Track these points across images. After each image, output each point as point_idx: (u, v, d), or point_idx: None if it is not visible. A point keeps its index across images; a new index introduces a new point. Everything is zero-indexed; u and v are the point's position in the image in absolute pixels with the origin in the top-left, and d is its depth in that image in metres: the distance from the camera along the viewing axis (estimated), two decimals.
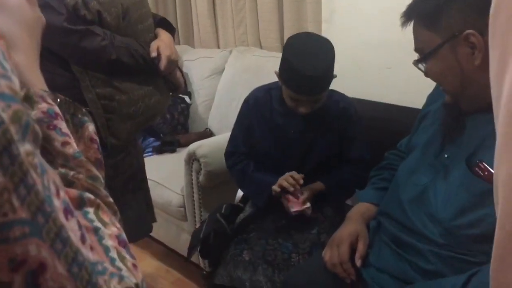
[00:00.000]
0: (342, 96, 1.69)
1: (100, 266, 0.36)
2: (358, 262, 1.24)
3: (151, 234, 2.47)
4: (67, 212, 0.33)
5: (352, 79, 2.06)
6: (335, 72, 1.51)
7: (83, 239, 0.34)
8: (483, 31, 0.94)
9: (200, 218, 2.14)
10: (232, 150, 1.75)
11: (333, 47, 1.49)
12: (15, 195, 0.28)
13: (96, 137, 0.51)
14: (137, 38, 1.46)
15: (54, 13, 1.30)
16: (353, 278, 1.23)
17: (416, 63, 1.09)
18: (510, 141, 0.35)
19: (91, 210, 0.42)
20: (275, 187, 1.55)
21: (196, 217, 2.16)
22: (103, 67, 1.40)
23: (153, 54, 1.47)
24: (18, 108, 0.30)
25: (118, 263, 0.39)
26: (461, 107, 1.10)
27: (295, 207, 1.52)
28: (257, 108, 1.68)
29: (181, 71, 2.91)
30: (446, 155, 1.12)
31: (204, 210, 2.14)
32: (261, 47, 2.82)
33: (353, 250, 1.26)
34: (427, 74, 1.10)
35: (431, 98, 1.32)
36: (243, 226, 1.66)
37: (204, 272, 2.20)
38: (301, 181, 1.54)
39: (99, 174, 0.46)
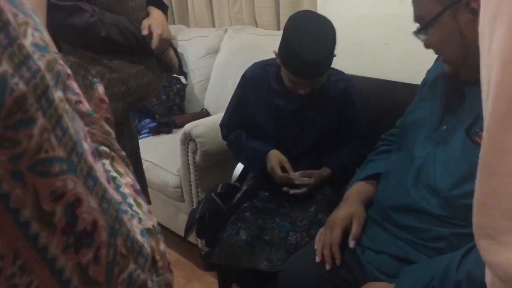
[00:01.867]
0: (341, 75, 1.67)
1: (123, 206, 0.39)
2: (352, 244, 1.22)
3: None
4: (94, 155, 0.36)
5: (348, 55, 2.03)
6: None
7: (108, 181, 0.37)
8: None
9: (197, 198, 2.13)
10: (225, 123, 1.76)
11: (334, 28, 1.47)
12: (53, 135, 0.30)
13: (105, 98, 0.54)
14: (127, 16, 1.42)
15: None
16: (338, 262, 1.21)
17: (416, 33, 1.07)
18: None
19: (107, 161, 0.45)
20: (271, 172, 1.60)
21: (193, 197, 2.15)
22: (92, 44, 1.36)
23: (144, 32, 1.43)
24: (51, 57, 0.32)
25: (135, 208, 0.42)
26: (461, 77, 1.08)
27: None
28: (254, 83, 1.67)
29: (175, 51, 2.88)
30: (445, 127, 1.11)
31: (201, 190, 2.13)
32: (256, 26, 2.78)
33: (348, 232, 1.25)
34: (427, 44, 1.07)
35: (430, 70, 1.30)
36: (239, 205, 1.65)
37: (203, 252, 2.21)
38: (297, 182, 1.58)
39: (111, 130, 0.49)
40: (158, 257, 0.40)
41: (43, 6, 0.54)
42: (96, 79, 0.53)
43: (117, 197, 0.37)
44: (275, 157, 1.60)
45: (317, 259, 1.23)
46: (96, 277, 0.33)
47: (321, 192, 1.62)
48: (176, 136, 2.36)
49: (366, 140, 1.66)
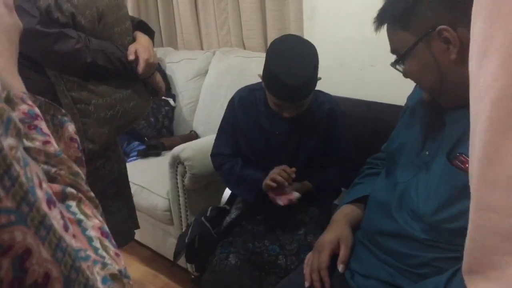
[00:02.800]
0: (328, 96, 1.68)
1: (83, 253, 0.38)
2: (340, 268, 1.22)
3: (137, 239, 2.45)
4: (50, 202, 0.35)
5: (334, 77, 2.05)
6: (319, 72, 1.50)
7: (65, 227, 0.36)
8: (456, 25, 0.94)
9: (187, 221, 2.12)
10: (217, 152, 1.73)
11: (316, 52, 1.48)
12: (0, 186, 0.29)
13: (76, 137, 0.54)
14: (114, 41, 1.43)
15: (27, 16, 1.26)
16: (327, 286, 1.20)
17: (394, 64, 1.09)
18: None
19: (73, 203, 0.44)
20: (269, 182, 1.53)
21: (182, 220, 2.14)
22: (79, 70, 1.37)
23: (131, 57, 1.44)
24: (0, 105, 0.32)
25: (101, 251, 0.41)
26: (441, 104, 1.09)
27: (282, 199, 1.51)
28: (242, 108, 1.66)
29: (163, 74, 2.89)
30: (427, 152, 1.12)
31: (190, 213, 2.11)
32: (244, 48, 2.81)
33: (336, 255, 1.25)
34: (405, 74, 1.10)
35: (410, 97, 1.32)
36: (229, 229, 1.64)
37: (193, 276, 2.18)
38: (294, 175, 1.53)
39: (80, 171, 0.48)
40: None
41: (15, 46, 0.54)
42: (66, 118, 0.53)
43: (75, 244, 0.37)
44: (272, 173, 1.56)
45: (306, 284, 1.23)
46: None
47: (308, 214, 1.62)
48: (165, 159, 2.35)
49: (351, 162, 1.66)
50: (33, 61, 1.35)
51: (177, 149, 2.05)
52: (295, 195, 1.53)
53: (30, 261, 0.30)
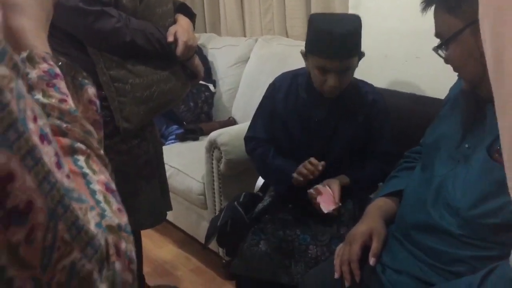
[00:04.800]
0: (372, 87, 1.64)
1: (76, 194, 0.38)
2: (372, 261, 1.18)
3: (171, 220, 2.48)
4: (43, 138, 0.35)
5: (378, 68, 2.00)
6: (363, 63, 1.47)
7: (58, 166, 0.36)
8: None
9: (220, 206, 2.13)
10: (251, 135, 1.72)
11: (359, 17, 1.49)
12: None
13: (95, 99, 0.54)
14: (155, 22, 1.44)
15: None
16: (357, 279, 1.17)
17: (436, 49, 1.06)
18: None
19: (81, 158, 0.45)
20: (297, 176, 1.51)
21: (216, 205, 2.15)
22: (118, 49, 1.38)
23: (170, 38, 1.44)
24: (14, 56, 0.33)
25: (103, 205, 0.42)
26: (481, 95, 1.05)
27: (327, 207, 1.47)
28: (282, 92, 1.64)
29: (204, 58, 2.89)
30: (467, 145, 1.07)
31: (224, 198, 2.12)
32: (287, 36, 2.78)
33: (368, 248, 1.22)
34: (447, 60, 1.06)
35: (452, 88, 1.27)
36: (261, 216, 1.63)
37: (224, 261, 2.19)
38: (320, 167, 1.49)
39: (93, 130, 0.49)
40: (112, 252, 0.39)
41: (47, 11, 0.56)
42: (86, 81, 0.54)
43: (69, 184, 0.37)
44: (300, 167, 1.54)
45: (336, 276, 1.20)
46: (29, 258, 0.32)
47: (344, 206, 1.58)
48: (203, 144, 2.36)
49: (392, 156, 1.60)
50: (74, 38, 1.37)
51: (214, 134, 2.06)
52: (339, 204, 1.48)
53: (12, 185, 0.31)
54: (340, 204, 1.48)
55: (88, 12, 1.32)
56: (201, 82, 2.76)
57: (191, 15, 1.59)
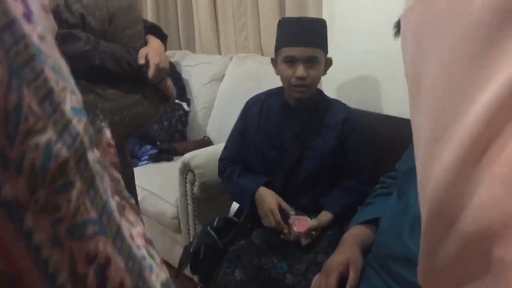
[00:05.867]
0: (345, 106, 1.64)
1: (145, 262, 0.38)
2: None
3: None
4: (120, 210, 0.36)
5: (352, 88, 1.98)
6: (334, 78, 1.48)
7: (131, 237, 0.37)
8: None
9: (195, 230, 2.07)
10: (223, 157, 1.73)
11: (325, 20, 1.59)
12: (88, 198, 0.30)
13: (112, 142, 0.54)
14: (124, 44, 1.39)
15: None
16: None
17: None
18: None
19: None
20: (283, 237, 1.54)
21: (190, 229, 2.09)
22: (86, 73, 1.33)
23: (141, 61, 1.39)
24: (86, 120, 0.33)
25: (149, 260, 0.41)
26: None
27: (298, 228, 1.47)
28: (255, 111, 1.66)
29: (180, 77, 2.84)
30: None
31: (199, 222, 2.06)
32: (262, 54, 2.75)
33: (345, 279, 1.18)
34: None
35: None
36: (235, 240, 1.58)
37: (198, 287, 2.13)
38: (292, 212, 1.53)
39: (120, 177, 0.48)
40: None
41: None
42: (104, 123, 0.53)
43: (139, 253, 0.37)
44: (272, 198, 1.53)
45: None
46: None
47: (322, 232, 1.55)
48: (176, 164, 2.30)
49: (367, 176, 1.60)
50: None
51: (187, 156, 2.00)
52: (311, 223, 1.49)
53: (109, 270, 0.32)
54: (315, 222, 1.51)
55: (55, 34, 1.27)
56: (175, 100, 2.72)
57: (162, 37, 1.55)
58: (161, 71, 1.45)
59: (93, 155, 0.32)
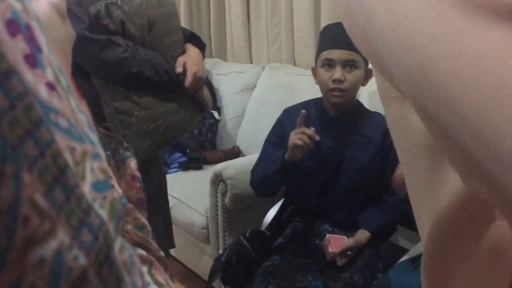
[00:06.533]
0: (384, 118, 1.58)
1: None
2: None
3: (172, 253, 2.38)
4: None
5: None
6: (372, 91, 1.43)
7: None
8: None
9: (224, 242, 2.03)
10: (255, 166, 1.69)
11: None
12: None
13: (138, 174, 0.46)
14: (163, 52, 1.37)
15: (76, 21, 1.22)
16: None
17: None
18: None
19: (144, 268, 0.37)
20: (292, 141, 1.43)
21: (219, 240, 2.05)
22: (124, 80, 1.31)
23: (179, 69, 1.37)
24: (113, 195, 0.24)
25: None
26: None
27: (333, 248, 1.42)
28: (293, 119, 1.60)
29: (210, 85, 2.83)
30: None
31: (229, 234, 2.03)
32: (295, 65, 2.72)
33: None
34: None
35: None
36: (269, 253, 1.54)
37: None
38: (317, 137, 1.42)
39: (146, 222, 0.41)
40: None
41: (68, 62, 0.45)
42: (128, 153, 0.45)
43: None
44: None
45: None
46: None
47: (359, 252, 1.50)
48: (206, 173, 2.28)
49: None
50: (79, 67, 1.30)
51: (219, 166, 1.97)
52: (347, 243, 1.44)
53: None
54: (349, 253, 1.45)
55: (95, 41, 1.26)
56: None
57: (201, 45, 1.53)
58: (198, 80, 1.42)
59: (119, 243, 0.24)
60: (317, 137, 1.42)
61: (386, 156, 1.53)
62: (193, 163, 2.57)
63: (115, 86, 1.32)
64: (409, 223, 1.71)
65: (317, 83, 1.57)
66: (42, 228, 0.19)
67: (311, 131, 1.41)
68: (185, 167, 2.56)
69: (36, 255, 0.18)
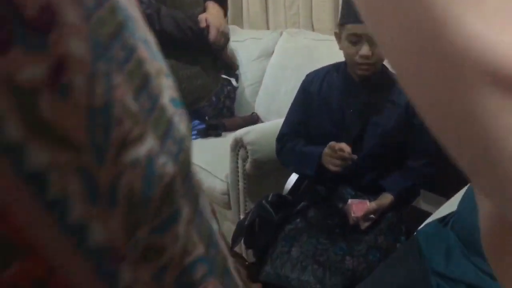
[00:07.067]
0: None
1: None
2: None
3: None
4: (220, 236, 0.27)
5: None
6: None
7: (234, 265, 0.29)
8: None
9: (245, 207, 2.05)
10: (283, 132, 1.68)
11: None
12: (194, 227, 0.22)
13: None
14: (184, 10, 1.36)
15: None
16: None
17: None
18: None
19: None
20: (330, 166, 1.47)
21: (240, 206, 2.07)
22: None
23: (202, 24, 1.37)
24: (185, 113, 0.24)
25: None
26: None
27: (355, 212, 1.43)
28: (316, 84, 1.61)
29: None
30: None
31: (249, 199, 2.04)
32: (313, 30, 2.68)
33: None
34: None
35: None
36: (292, 217, 1.56)
37: (247, 263, 2.12)
38: (354, 157, 1.44)
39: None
40: None
41: None
42: None
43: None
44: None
45: None
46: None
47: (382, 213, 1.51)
48: (225, 140, 2.29)
49: (432, 158, 1.53)
50: None
51: (240, 132, 1.98)
52: (369, 206, 1.44)
53: None
54: (372, 216, 1.46)
55: None
56: (223, 76, 2.69)
57: (223, 5, 1.51)
58: (222, 35, 1.41)
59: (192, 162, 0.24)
60: (355, 157, 1.42)
61: (411, 121, 1.51)
62: (212, 130, 2.57)
63: None
64: (432, 187, 1.71)
65: (340, 49, 1.54)
66: (135, 131, 0.19)
67: (347, 153, 1.41)
68: (204, 134, 2.57)
69: (131, 156, 0.18)
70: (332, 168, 1.44)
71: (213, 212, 0.36)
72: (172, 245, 0.20)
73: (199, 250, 0.22)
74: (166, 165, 0.20)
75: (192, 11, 1.40)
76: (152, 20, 1.29)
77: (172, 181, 0.20)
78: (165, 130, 0.21)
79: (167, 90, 0.22)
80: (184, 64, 1.37)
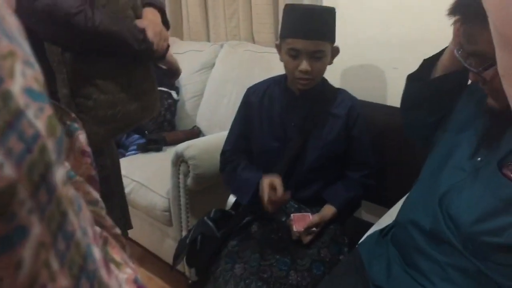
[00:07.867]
0: (350, 95, 1.58)
1: None
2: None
3: (133, 238, 2.32)
4: (105, 262, 0.24)
5: (354, 78, 1.93)
6: (336, 67, 1.42)
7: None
8: None
9: (187, 223, 1.99)
10: (226, 149, 1.65)
11: (334, 8, 1.46)
12: (53, 253, 0.18)
13: (88, 149, 0.40)
14: (117, 11, 1.28)
15: None
16: None
17: (482, 70, 0.91)
18: None
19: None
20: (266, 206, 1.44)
21: (182, 222, 2.01)
22: (78, 42, 1.21)
23: (140, 25, 1.30)
24: (50, 111, 0.20)
25: None
26: (506, 113, 0.97)
27: (297, 227, 1.41)
28: (257, 98, 1.58)
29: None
30: (479, 159, 1.01)
31: (191, 215, 1.99)
32: (254, 42, 2.68)
33: None
34: (487, 82, 0.93)
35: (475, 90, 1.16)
36: (235, 233, 1.52)
37: (190, 281, 2.06)
38: (286, 196, 1.42)
39: (99, 197, 0.36)
40: None
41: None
42: (76, 125, 0.40)
43: None
44: (266, 178, 1.45)
45: None
46: None
47: (325, 227, 1.50)
48: (166, 155, 2.23)
49: (372, 169, 1.56)
50: (31, 39, 1.20)
51: (181, 146, 1.92)
52: (311, 219, 1.44)
53: None
54: (314, 229, 1.45)
55: None
56: (163, 89, 2.62)
57: (161, 11, 1.45)
58: (161, 38, 1.35)
59: (61, 173, 0.20)
60: (289, 196, 1.41)
61: (350, 133, 1.52)
62: (152, 145, 2.50)
63: (75, 66, 1.22)
64: (373, 197, 1.73)
65: (281, 61, 1.53)
66: None
67: (283, 197, 1.40)
68: (143, 149, 2.49)
69: None
70: (266, 207, 1.42)
71: (103, 238, 0.32)
72: (11, 275, 0.16)
73: (60, 282, 0.18)
74: (2, 167, 0.16)
75: (123, 12, 1.33)
76: (85, 16, 1.19)
77: (11, 188, 0.16)
78: (7, 122, 0.17)
79: (22, 77, 0.19)
80: (120, 88, 1.30)
